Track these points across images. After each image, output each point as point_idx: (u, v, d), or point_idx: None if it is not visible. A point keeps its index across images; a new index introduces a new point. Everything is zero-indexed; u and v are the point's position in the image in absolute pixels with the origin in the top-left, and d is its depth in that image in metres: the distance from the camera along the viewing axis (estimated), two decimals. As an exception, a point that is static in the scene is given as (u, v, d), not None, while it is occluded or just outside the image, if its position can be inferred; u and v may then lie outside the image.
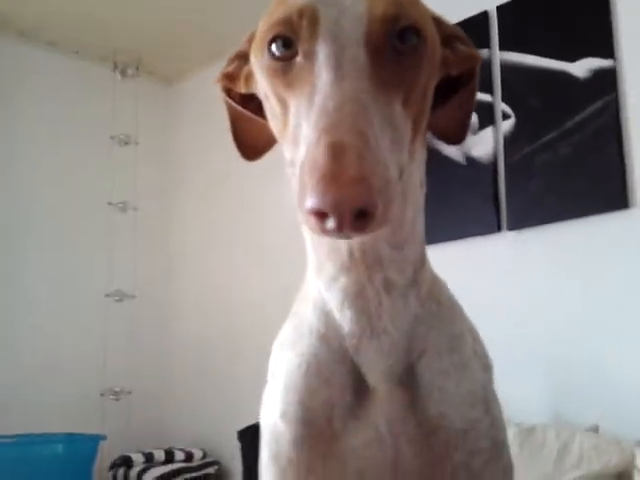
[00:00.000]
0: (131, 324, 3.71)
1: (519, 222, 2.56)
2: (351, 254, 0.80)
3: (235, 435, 3.00)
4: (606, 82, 2.40)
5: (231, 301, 3.64)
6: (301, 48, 0.71)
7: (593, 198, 2.38)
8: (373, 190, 0.59)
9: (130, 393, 3.63)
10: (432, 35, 0.77)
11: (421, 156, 0.84)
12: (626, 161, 2.33)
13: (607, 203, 2.35)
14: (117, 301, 3.69)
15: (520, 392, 2.31)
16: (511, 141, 2.62)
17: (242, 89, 0.89)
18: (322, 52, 0.69)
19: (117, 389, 3.59)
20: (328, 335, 0.84)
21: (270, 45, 0.73)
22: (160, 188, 4.06)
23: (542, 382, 2.40)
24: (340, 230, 0.60)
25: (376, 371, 0.82)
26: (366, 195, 0.58)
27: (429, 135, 0.89)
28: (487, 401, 0.84)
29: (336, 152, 0.59)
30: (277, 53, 0.72)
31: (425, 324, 0.84)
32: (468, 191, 2.68)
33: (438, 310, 0.86)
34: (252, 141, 0.98)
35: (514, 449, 1.86)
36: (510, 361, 2.38)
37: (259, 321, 3.39)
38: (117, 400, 3.58)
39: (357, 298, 0.81)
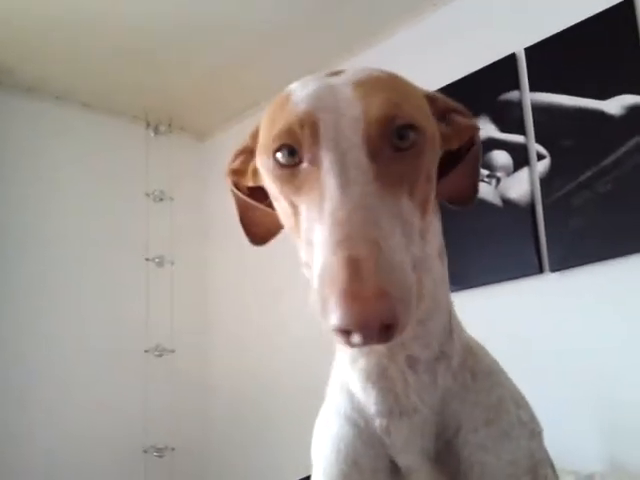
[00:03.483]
0: (171, 379, 3.69)
1: (561, 263, 2.51)
2: None
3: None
4: (642, 118, 2.37)
5: (270, 351, 3.61)
6: (305, 156, 0.72)
7: (636, 236, 2.33)
8: (393, 303, 0.59)
9: (174, 450, 3.59)
10: (430, 126, 0.78)
11: (435, 225, 0.84)
12: (668, 197, 2.28)
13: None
14: (157, 356, 3.69)
15: (571, 437, 2.24)
16: (547, 181, 2.59)
17: (250, 182, 0.90)
18: (326, 159, 0.70)
19: (160, 446, 3.55)
20: (354, 417, 0.83)
21: (275, 154, 0.74)
22: (196, 242, 4.08)
23: (594, 426, 2.32)
24: (366, 344, 0.61)
25: (411, 452, 0.80)
26: (388, 310, 0.58)
27: (439, 201, 0.88)
28: (535, 470, 0.80)
29: (353, 267, 0.59)
30: (283, 161, 0.74)
31: (458, 398, 0.82)
32: (507, 233, 2.65)
33: (473, 382, 0.83)
34: (260, 228, 0.99)
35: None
36: (558, 405, 2.31)
37: (299, 369, 3.36)
38: (160, 457, 3.53)
39: (380, 379, 0.80)
